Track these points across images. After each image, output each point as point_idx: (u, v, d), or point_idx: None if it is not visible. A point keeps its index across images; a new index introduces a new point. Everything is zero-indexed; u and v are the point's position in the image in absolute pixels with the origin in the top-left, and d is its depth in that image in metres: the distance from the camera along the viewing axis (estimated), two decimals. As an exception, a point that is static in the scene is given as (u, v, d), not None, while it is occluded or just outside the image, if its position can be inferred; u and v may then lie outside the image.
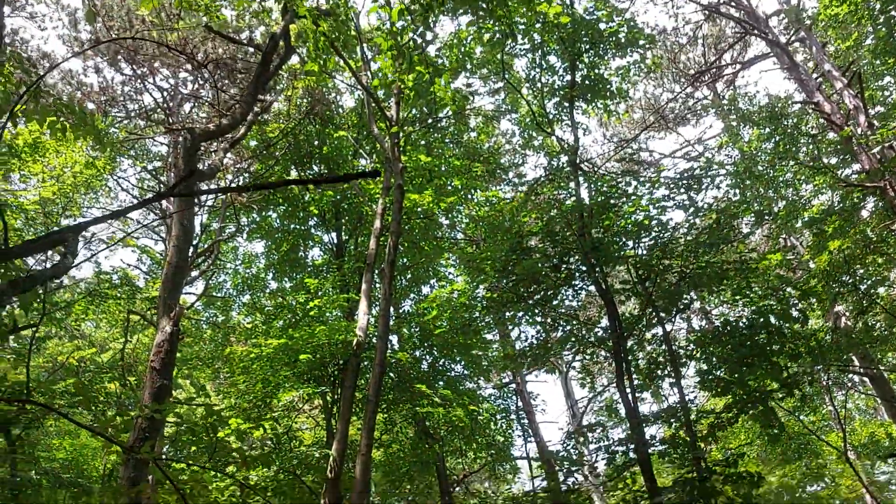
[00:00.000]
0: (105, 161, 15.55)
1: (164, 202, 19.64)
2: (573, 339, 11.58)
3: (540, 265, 10.62)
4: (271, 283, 22.28)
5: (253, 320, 20.14)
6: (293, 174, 19.77)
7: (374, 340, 14.63)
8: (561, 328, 11.87)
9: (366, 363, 15.66)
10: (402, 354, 14.95)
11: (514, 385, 21.25)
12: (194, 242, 19.73)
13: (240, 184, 20.46)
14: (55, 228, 15.86)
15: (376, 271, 15.88)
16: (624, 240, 11.30)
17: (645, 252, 11.59)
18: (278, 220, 20.25)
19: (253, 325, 19.69)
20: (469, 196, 17.68)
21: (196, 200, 18.05)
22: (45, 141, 13.07)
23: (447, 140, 18.92)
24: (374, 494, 20.75)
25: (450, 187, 17.51)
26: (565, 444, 11.32)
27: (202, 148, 10.60)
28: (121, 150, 17.84)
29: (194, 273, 18.55)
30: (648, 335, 11.98)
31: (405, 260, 18.59)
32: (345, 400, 14.07)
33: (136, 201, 21.26)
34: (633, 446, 10.53)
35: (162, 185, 19.80)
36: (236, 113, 9.51)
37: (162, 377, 6.46)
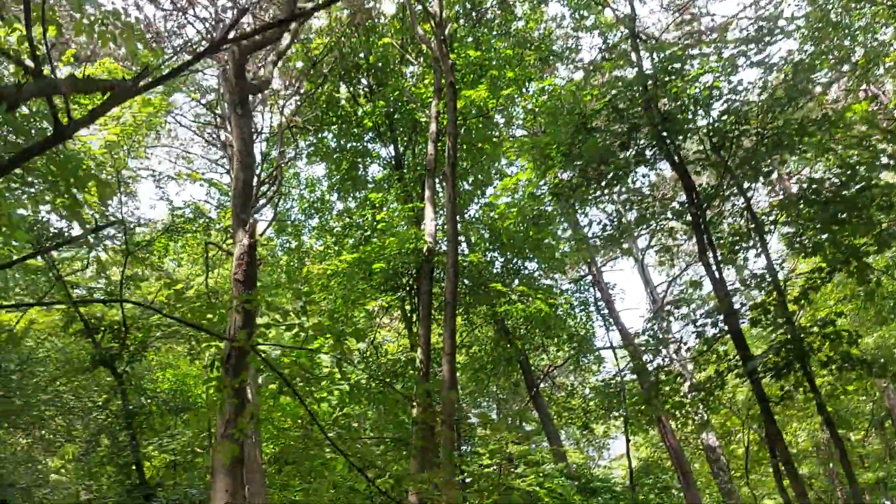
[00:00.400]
0: (160, 99, 15.60)
1: (223, 133, 19.74)
2: (648, 217, 11.17)
3: (607, 143, 10.17)
4: (337, 204, 22.41)
5: (324, 242, 20.35)
6: (342, 90, 19.49)
7: (444, 246, 14.59)
8: (635, 208, 11.46)
9: (439, 270, 15.70)
10: (474, 256, 14.88)
11: (590, 277, 21.04)
12: (257, 171, 19.89)
13: (293, 106, 20.32)
14: (123, 170, 16.15)
15: (438, 177, 15.72)
16: (694, 108, 10.68)
17: (717, 119, 10.97)
18: (334, 140, 20.14)
19: (325, 246, 19.90)
20: (524, 89, 17.06)
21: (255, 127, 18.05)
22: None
23: (495, 33, 18.18)
24: (462, 395, 21.19)
25: (502, 83, 16.93)
26: (651, 323, 11.12)
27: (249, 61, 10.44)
28: (174, 87, 17.86)
29: (261, 201, 18.72)
30: (728, 206, 11.48)
31: (465, 164, 18.28)
32: (423, 305, 14.19)
33: (195, 136, 21.43)
34: (721, 318, 10.26)
35: (217, 118, 19.83)
36: (278, 19, 9.25)
37: (246, 288, 6.57)
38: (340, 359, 4.59)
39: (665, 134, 10.67)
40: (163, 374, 18.07)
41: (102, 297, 16.00)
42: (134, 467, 14.35)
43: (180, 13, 18.16)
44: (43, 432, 16.46)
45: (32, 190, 14.59)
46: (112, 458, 15.40)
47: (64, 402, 15.63)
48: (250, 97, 19.56)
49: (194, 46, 18.87)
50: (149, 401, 14.76)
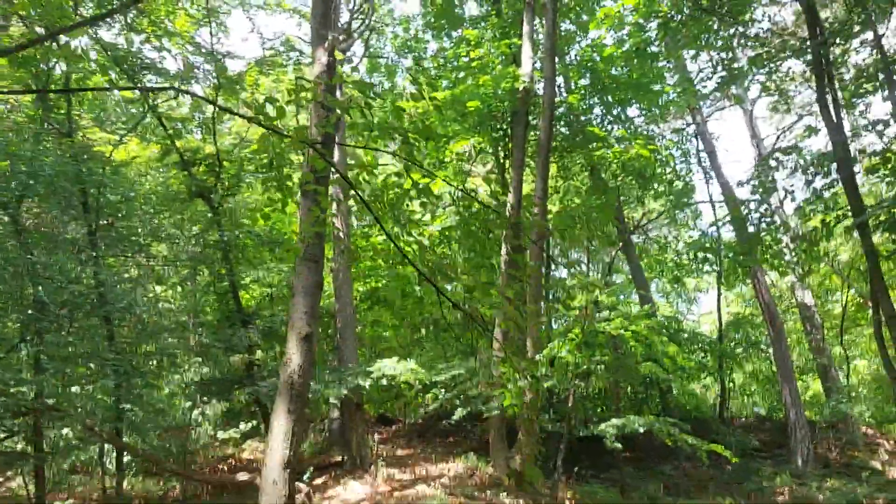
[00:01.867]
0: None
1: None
2: (766, 57, 10.26)
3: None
4: (431, 44, 21.75)
5: (418, 84, 19.94)
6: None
7: (541, 88, 14.01)
8: (751, 46, 10.53)
9: (535, 114, 15.20)
10: (573, 97, 14.25)
11: (692, 127, 20.01)
12: (350, 6, 19.37)
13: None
14: (215, 2, 15.96)
15: (538, 10, 14.84)
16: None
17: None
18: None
19: (419, 88, 19.53)
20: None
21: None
22: None
23: None
24: (553, 244, 21.17)
25: None
26: (758, 170, 10.50)
27: None
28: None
29: (353, 37, 18.30)
30: (856, 42, 10.38)
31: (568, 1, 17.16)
32: (517, 147, 13.90)
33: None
34: (835, 165, 9.58)
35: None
36: None
37: (326, 109, 6.40)
38: (408, 161, 4.42)
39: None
40: (251, 211, 18.78)
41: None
42: (231, 296, 15.23)
43: None
44: (151, 261, 17.58)
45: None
46: (211, 288, 16.36)
47: (166, 232, 16.50)
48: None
49: None
50: (243, 234, 15.41)
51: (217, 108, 16.04)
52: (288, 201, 5.12)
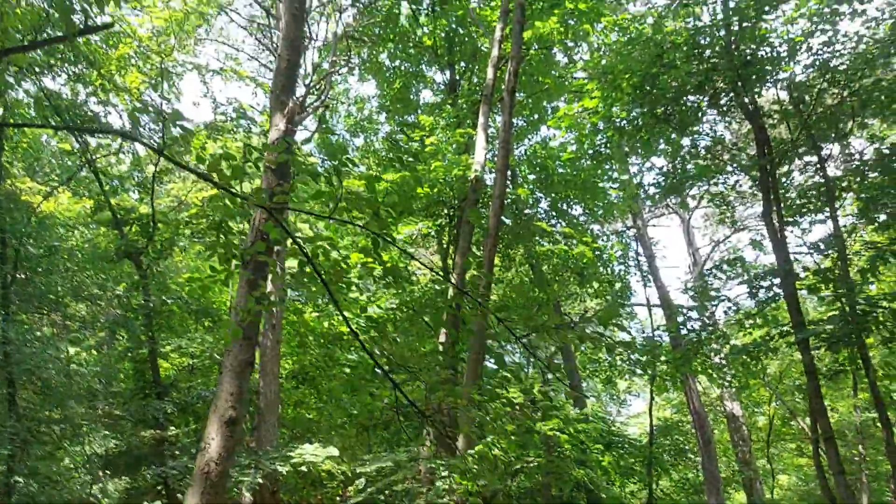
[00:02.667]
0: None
1: (276, 36, 19.14)
2: (714, 168, 10.52)
3: (683, 80, 9.45)
4: (384, 126, 21.89)
5: (368, 164, 19.91)
6: (403, 7, 18.74)
7: (492, 176, 14.06)
8: (701, 158, 10.79)
9: (483, 200, 15.20)
10: (522, 190, 14.33)
11: (633, 230, 20.41)
12: (306, 82, 19.39)
13: (351, 16, 19.67)
14: (170, 64, 15.74)
15: (494, 106, 15.06)
16: (780, 53, 9.88)
17: (803, 71, 10.17)
18: (389, 59, 19.51)
19: (368, 168, 19.47)
20: (594, 24, 16.16)
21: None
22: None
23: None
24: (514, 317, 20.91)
25: (572, 21, 16.01)
26: (698, 281, 10.58)
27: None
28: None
29: (306, 112, 18.24)
30: (800, 163, 10.76)
31: (523, 98, 17.55)
32: (463, 234, 13.73)
33: (246, 38, 20.84)
34: (777, 280, 9.70)
35: (272, 20, 19.22)
36: None
37: (279, 179, 6.10)
38: (378, 237, 4.11)
39: (743, 80, 9.93)
40: (187, 279, 18.08)
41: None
42: (149, 364, 14.39)
43: None
44: (66, 321, 16.58)
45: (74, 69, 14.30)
46: (129, 354, 15.46)
47: (87, 291, 15.66)
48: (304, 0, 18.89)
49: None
50: (171, 300, 14.69)
51: (160, 161, 15.57)
52: (233, 274, 4.71)
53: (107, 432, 14.04)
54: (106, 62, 15.14)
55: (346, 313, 15.03)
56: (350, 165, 4.37)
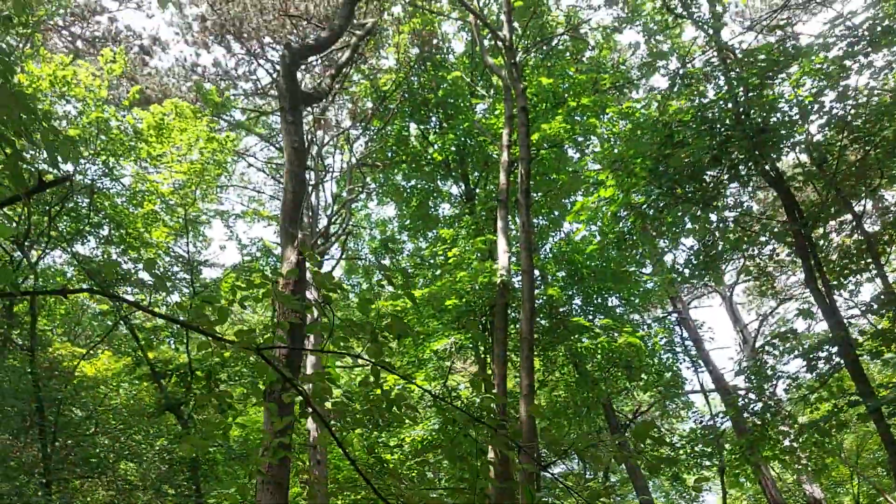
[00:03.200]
0: (229, 137, 15.57)
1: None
2: (746, 240, 10.13)
3: (698, 155, 9.24)
4: (407, 244, 22.00)
5: (395, 282, 19.83)
6: (412, 128, 19.20)
7: (518, 280, 13.82)
8: (730, 232, 10.42)
9: (514, 307, 14.88)
10: (553, 290, 14.00)
11: (675, 315, 19.78)
12: (327, 213, 19.68)
13: (363, 148, 20.15)
14: (193, 214, 16.07)
15: (511, 206, 15.02)
16: (793, 115, 9.68)
17: (819, 130, 9.93)
18: (404, 180, 19.82)
19: (397, 284, 19.39)
20: (600, 116, 16.30)
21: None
22: (169, 123, 13.11)
23: (567, 60, 17.58)
24: (541, 443, 20.05)
25: (578, 117, 16.20)
26: (752, 360, 9.98)
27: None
28: (246, 126, 17.91)
29: (331, 240, 18.41)
30: (834, 224, 10.34)
31: (539, 198, 17.55)
32: (498, 341, 13.33)
33: (265, 174, 21.45)
34: (835, 349, 9.09)
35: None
36: (333, 25, 8.83)
37: (294, 309, 5.91)
38: (376, 366, 3.77)
39: (760, 147, 9.71)
40: (231, 419, 17.71)
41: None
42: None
43: (251, 58, 18.34)
44: (118, 483, 16.23)
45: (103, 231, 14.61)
46: (176, 511, 15.00)
47: (134, 450, 15.39)
48: (317, 136, 19.41)
49: (264, 89, 19.00)
50: (214, 448, 14.32)
51: (180, 325, 15.60)
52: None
53: None
54: (132, 221, 15.48)
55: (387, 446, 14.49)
56: (345, 294, 4.09)
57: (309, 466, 14.64)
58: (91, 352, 16.79)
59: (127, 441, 15.63)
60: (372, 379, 3.88)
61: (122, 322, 16.55)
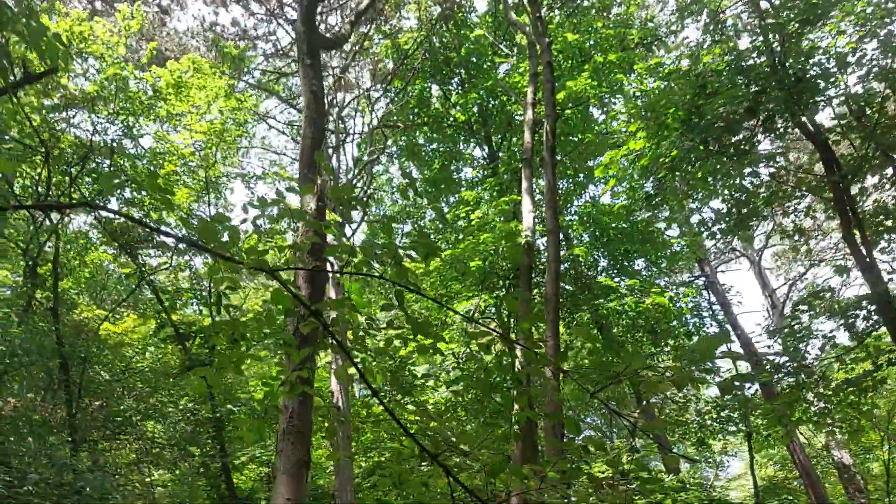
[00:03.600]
0: (246, 93, 15.36)
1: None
2: (781, 195, 9.76)
3: (732, 106, 8.86)
4: (428, 211, 21.76)
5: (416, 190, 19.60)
6: (433, 89, 18.86)
7: (543, 241, 13.58)
8: (763, 182, 10.04)
9: (536, 273, 14.63)
10: (579, 249, 13.71)
11: (702, 279, 19.42)
12: (349, 176, 19.48)
13: (384, 109, 19.84)
14: (213, 176, 15.95)
15: (536, 167, 14.69)
16: (830, 67, 9.25)
17: (858, 81, 9.49)
18: (426, 142, 19.52)
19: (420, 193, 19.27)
20: (627, 73, 15.82)
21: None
22: (188, 80, 12.92)
23: (593, 17, 17.07)
24: (566, 407, 19.94)
25: (605, 68, 15.71)
26: (786, 321, 9.66)
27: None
28: (266, 87, 17.71)
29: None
30: (873, 179, 9.92)
31: (564, 159, 17.17)
32: (522, 303, 13.14)
33: (286, 137, 21.23)
34: (874, 307, 8.76)
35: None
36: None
37: (313, 259, 5.72)
38: (402, 287, 3.54)
39: (796, 99, 9.29)
40: (256, 384, 17.75)
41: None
42: (223, 478, 13.95)
43: (270, 17, 18.05)
44: (145, 443, 16.39)
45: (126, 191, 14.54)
46: (202, 469, 15.08)
47: (160, 410, 15.48)
48: (338, 97, 19.14)
49: (283, 50, 18.72)
50: (238, 408, 14.33)
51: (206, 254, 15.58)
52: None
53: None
54: (153, 182, 15.38)
55: (413, 400, 14.41)
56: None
57: (331, 415, 14.62)
58: (111, 312, 16.86)
59: (153, 402, 15.73)
60: (396, 303, 3.68)
61: (146, 285, 16.58)
